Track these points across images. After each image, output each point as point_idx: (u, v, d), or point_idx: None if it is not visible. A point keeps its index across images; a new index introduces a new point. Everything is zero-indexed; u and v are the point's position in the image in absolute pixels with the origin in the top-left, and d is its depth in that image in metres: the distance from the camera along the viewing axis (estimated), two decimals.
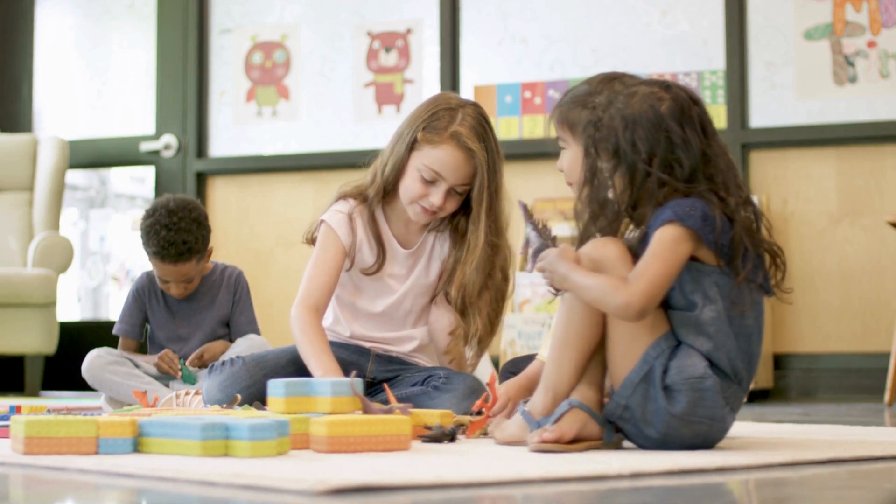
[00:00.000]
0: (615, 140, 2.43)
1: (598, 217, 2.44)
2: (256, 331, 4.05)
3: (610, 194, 2.44)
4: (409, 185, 3.14)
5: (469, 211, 3.18)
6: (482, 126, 3.13)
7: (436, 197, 3.11)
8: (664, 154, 2.41)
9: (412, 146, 3.13)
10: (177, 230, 3.91)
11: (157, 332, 4.06)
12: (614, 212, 2.44)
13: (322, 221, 3.22)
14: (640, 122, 2.42)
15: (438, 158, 3.09)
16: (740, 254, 2.38)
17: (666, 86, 2.47)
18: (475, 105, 3.17)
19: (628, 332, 2.38)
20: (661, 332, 2.39)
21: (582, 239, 2.47)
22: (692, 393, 2.35)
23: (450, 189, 3.12)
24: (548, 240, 2.55)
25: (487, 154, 3.10)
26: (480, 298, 3.16)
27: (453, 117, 3.11)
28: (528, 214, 2.61)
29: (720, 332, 2.38)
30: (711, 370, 2.37)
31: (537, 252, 2.55)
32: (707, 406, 2.37)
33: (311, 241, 3.27)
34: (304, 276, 3.16)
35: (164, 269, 3.95)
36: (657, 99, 2.43)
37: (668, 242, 2.35)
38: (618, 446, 2.46)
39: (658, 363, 2.36)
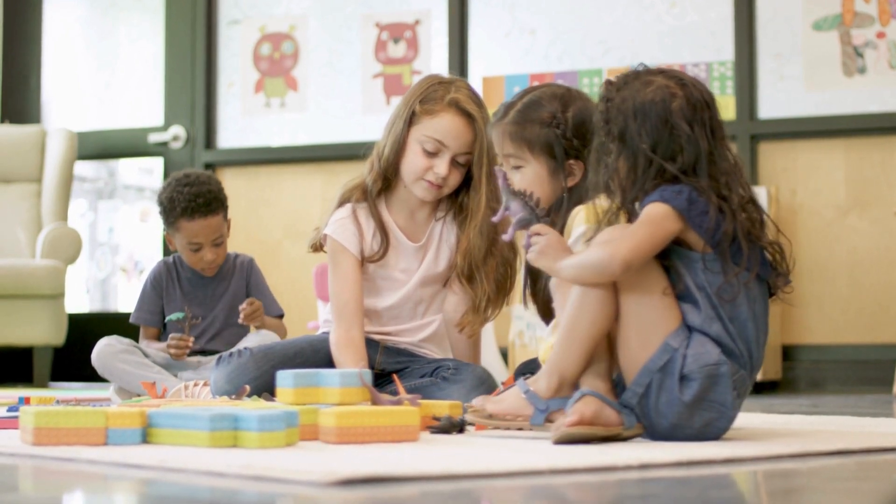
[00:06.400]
0: (623, 124, 2.44)
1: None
2: (279, 310, 4.06)
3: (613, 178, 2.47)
4: (412, 161, 3.15)
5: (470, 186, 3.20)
6: (476, 95, 3.20)
7: (440, 167, 3.13)
8: (667, 146, 2.42)
9: (410, 121, 3.15)
10: (198, 184, 3.98)
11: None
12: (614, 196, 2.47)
13: (326, 236, 3.22)
14: (649, 113, 2.43)
15: (440, 126, 3.12)
16: (728, 247, 2.38)
17: (682, 82, 2.47)
18: (464, 79, 3.25)
19: (646, 320, 2.38)
20: (678, 321, 2.39)
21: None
22: (706, 380, 2.36)
23: (452, 159, 3.13)
24: (535, 211, 2.55)
25: (485, 120, 3.13)
26: (486, 264, 3.16)
27: (448, 88, 3.17)
28: (506, 182, 2.61)
29: (722, 316, 2.39)
30: (725, 356, 2.38)
31: (522, 222, 2.56)
32: (718, 391, 2.38)
33: (316, 248, 3.28)
34: (330, 297, 3.20)
35: (196, 229, 3.95)
36: (671, 94, 2.44)
37: (653, 216, 2.37)
38: (642, 432, 2.43)
39: (678, 354, 2.36)
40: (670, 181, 2.42)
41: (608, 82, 2.51)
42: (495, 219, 2.68)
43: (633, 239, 2.34)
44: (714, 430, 2.42)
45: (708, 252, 2.39)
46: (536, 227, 2.51)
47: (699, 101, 2.45)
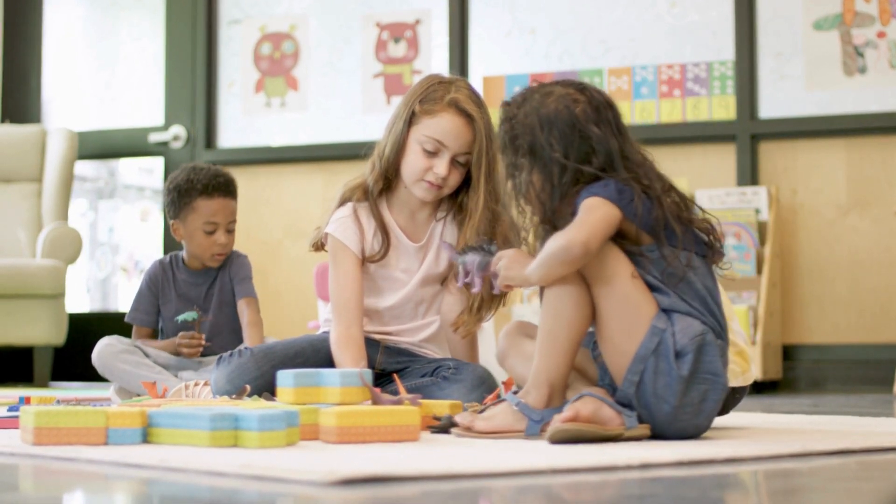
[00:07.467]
0: (531, 137, 2.48)
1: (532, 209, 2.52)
2: (251, 291, 4.03)
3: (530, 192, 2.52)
4: (412, 161, 3.15)
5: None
6: (477, 95, 3.19)
7: (440, 167, 3.13)
8: (579, 151, 2.47)
9: (410, 121, 3.15)
10: (213, 168, 4.01)
11: (168, 321, 4.06)
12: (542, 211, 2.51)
13: (327, 234, 3.22)
14: (555, 122, 2.48)
15: (439, 126, 3.12)
16: (662, 231, 2.43)
17: (581, 87, 2.52)
18: (465, 79, 3.24)
19: (624, 310, 2.40)
20: (656, 305, 2.42)
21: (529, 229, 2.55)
22: (697, 350, 2.39)
23: (452, 160, 3.13)
24: (488, 252, 2.65)
25: (485, 120, 3.13)
26: None
27: (448, 89, 3.16)
28: (452, 249, 2.71)
29: (685, 298, 2.42)
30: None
31: (481, 266, 2.65)
32: (708, 361, 2.41)
33: (317, 247, 3.28)
34: (330, 296, 3.19)
35: (215, 207, 3.94)
36: (573, 100, 2.50)
37: (592, 205, 2.41)
38: (648, 433, 2.43)
39: (667, 333, 2.38)
40: (590, 182, 2.44)
41: (505, 103, 2.58)
42: (459, 284, 2.75)
43: (585, 224, 2.38)
44: (710, 403, 2.43)
45: (649, 242, 2.43)
46: (495, 258, 2.58)
47: (601, 103, 2.52)
